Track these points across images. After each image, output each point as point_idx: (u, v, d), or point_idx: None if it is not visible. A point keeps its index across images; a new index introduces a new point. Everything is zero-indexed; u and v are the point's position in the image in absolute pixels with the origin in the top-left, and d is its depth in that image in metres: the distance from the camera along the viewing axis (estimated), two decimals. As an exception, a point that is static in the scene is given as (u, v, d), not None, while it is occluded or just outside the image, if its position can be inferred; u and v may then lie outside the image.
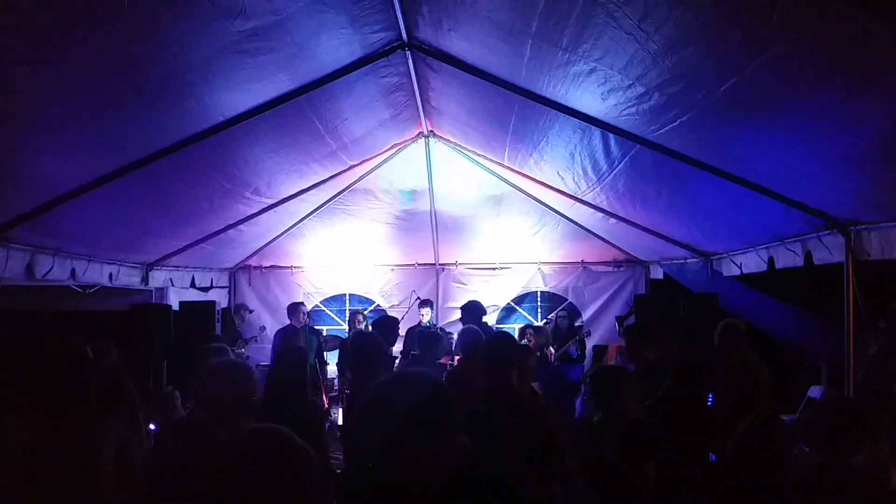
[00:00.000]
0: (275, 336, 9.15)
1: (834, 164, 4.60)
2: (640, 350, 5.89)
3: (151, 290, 8.87)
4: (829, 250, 5.84)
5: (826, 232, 5.78)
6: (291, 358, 4.84)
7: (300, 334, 8.91)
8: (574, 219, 9.91)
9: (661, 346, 5.89)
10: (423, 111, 7.54)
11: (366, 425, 2.12)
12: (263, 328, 11.20)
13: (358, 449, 2.13)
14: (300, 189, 8.44)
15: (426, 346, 6.39)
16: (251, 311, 11.15)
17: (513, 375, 4.36)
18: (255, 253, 11.04)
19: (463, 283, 11.71)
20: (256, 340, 10.90)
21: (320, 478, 1.87)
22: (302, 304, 9.83)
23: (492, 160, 8.55)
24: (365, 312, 10.06)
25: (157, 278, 8.76)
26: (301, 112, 5.97)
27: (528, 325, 10.23)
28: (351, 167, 8.49)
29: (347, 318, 10.05)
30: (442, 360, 7.30)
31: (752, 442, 3.30)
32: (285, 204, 8.66)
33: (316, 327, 10.26)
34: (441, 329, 9.47)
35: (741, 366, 5.96)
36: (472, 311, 7.58)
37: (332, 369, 9.85)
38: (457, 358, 7.24)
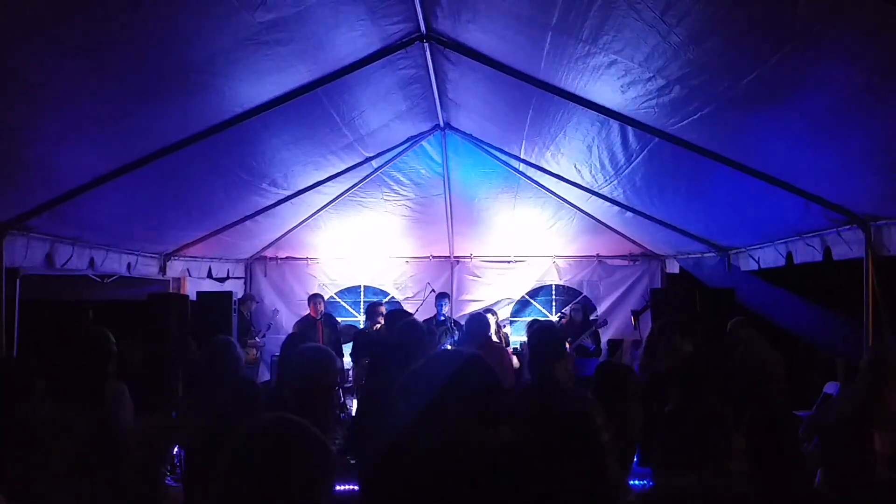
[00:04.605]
0: (294, 325, 9.23)
1: (854, 158, 4.55)
2: (680, 345, 5.85)
3: (169, 280, 8.94)
4: (848, 245, 5.79)
5: (846, 227, 5.72)
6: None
7: (318, 325, 8.98)
8: (590, 212, 9.87)
9: (696, 340, 5.82)
10: (440, 103, 7.52)
11: (412, 397, 2.11)
12: (276, 311, 11.27)
13: (398, 423, 2.09)
14: (316, 181, 8.45)
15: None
16: (258, 302, 11.15)
17: (558, 370, 4.05)
18: (271, 244, 11.08)
19: (478, 276, 11.70)
20: (270, 327, 10.98)
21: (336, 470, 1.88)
22: (320, 295, 9.89)
23: (508, 153, 8.53)
24: (384, 305, 10.08)
25: (175, 268, 8.83)
26: (319, 104, 5.98)
27: (536, 319, 10.23)
28: (367, 159, 8.50)
29: (366, 310, 10.04)
30: None
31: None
32: (301, 195, 8.68)
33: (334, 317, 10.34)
34: (455, 322, 9.46)
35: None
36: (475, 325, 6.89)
37: (346, 360, 9.88)
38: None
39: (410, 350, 4.73)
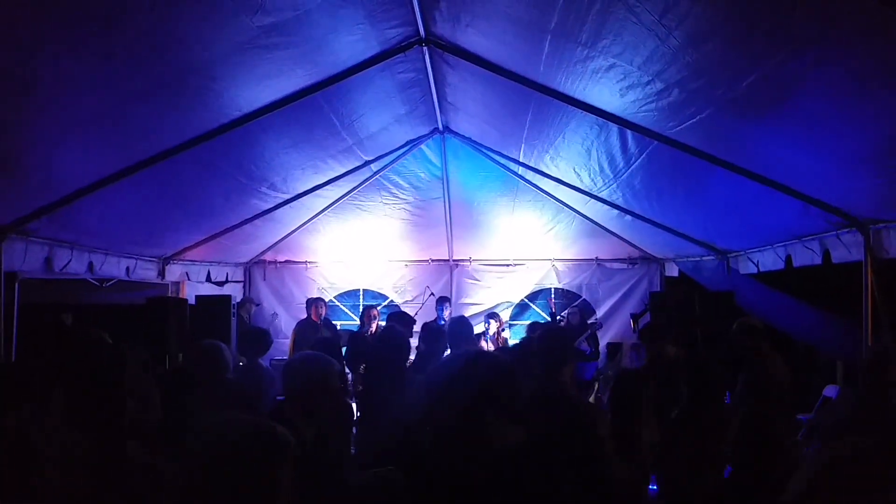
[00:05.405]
0: (295, 328, 9.24)
1: (854, 161, 4.55)
2: (661, 348, 5.85)
3: (167, 284, 8.94)
4: (847, 249, 5.78)
5: (845, 230, 5.72)
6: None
7: (319, 328, 8.99)
8: (589, 215, 9.87)
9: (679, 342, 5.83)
10: (439, 107, 7.53)
11: (445, 398, 2.13)
12: (275, 315, 11.27)
13: (434, 422, 2.12)
14: (315, 184, 8.45)
15: (431, 340, 6.20)
16: (257, 305, 11.15)
17: (566, 374, 3.94)
18: (270, 248, 11.08)
19: (477, 280, 11.70)
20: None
21: (293, 461, 1.89)
22: (322, 299, 9.90)
23: (507, 156, 8.53)
24: (378, 308, 10.07)
25: (174, 272, 8.83)
26: (318, 107, 5.99)
27: (536, 322, 10.21)
28: (366, 163, 8.50)
29: (360, 313, 10.06)
30: None
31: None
32: (300, 199, 8.69)
33: (332, 322, 10.33)
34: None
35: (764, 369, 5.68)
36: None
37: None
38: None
39: (391, 353, 4.81)
